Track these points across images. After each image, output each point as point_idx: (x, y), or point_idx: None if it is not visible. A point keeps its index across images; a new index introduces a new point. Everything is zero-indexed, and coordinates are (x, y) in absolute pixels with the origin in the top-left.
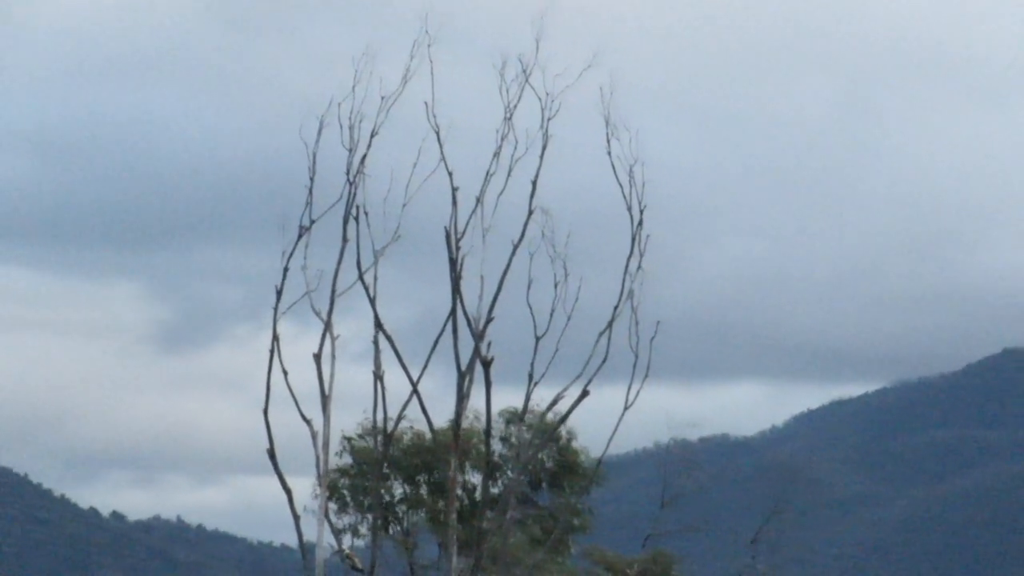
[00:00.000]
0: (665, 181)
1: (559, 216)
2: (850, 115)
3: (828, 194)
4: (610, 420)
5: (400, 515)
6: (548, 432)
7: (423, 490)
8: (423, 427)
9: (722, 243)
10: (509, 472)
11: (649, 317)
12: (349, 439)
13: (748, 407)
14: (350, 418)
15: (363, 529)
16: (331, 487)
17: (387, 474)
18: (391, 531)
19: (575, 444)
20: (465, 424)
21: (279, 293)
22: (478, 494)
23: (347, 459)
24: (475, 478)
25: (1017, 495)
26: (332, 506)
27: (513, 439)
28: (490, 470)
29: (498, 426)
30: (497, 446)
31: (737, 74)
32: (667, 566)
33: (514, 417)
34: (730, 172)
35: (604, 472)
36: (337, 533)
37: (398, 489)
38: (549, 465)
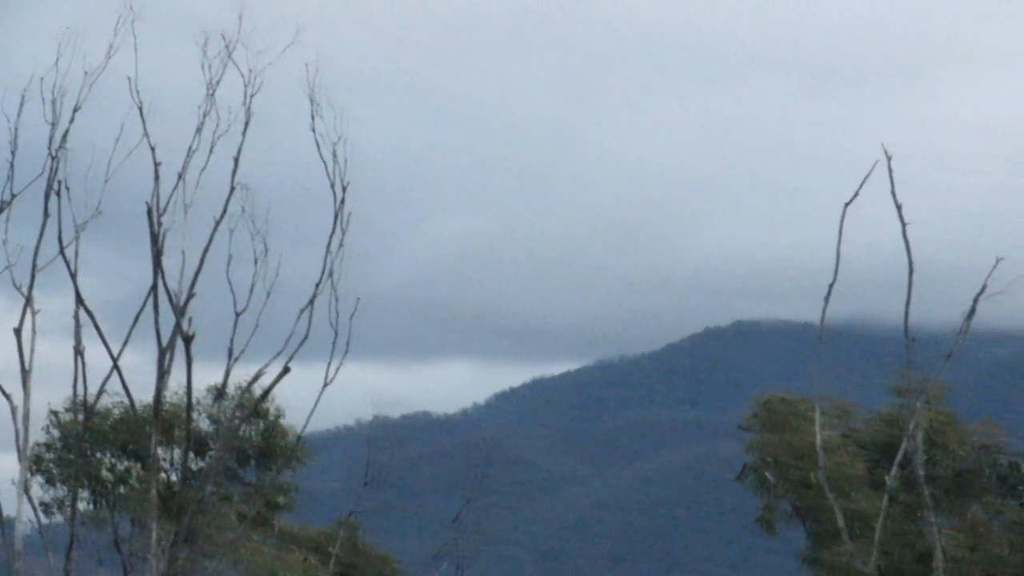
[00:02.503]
0: (375, 159)
1: (261, 193)
2: (569, 95)
3: (545, 174)
4: (315, 397)
5: (108, 489)
6: (248, 408)
7: (130, 465)
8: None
9: (435, 222)
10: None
11: (355, 295)
12: (56, 413)
13: (452, 385)
14: (54, 393)
15: (69, 503)
16: (37, 461)
17: (93, 448)
18: (98, 506)
19: (283, 422)
20: (176, 400)
21: None
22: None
23: (56, 432)
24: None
25: (713, 474)
26: (39, 480)
27: (220, 416)
28: (190, 445)
29: (207, 403)
30: (207, 423)
31: (453, 55)
32: (352, 534)
33: (222, 393)
34: (446, 151)
35: (308, 450)
36: (44, 508)
37: (106, 464)
38: (257, 443)
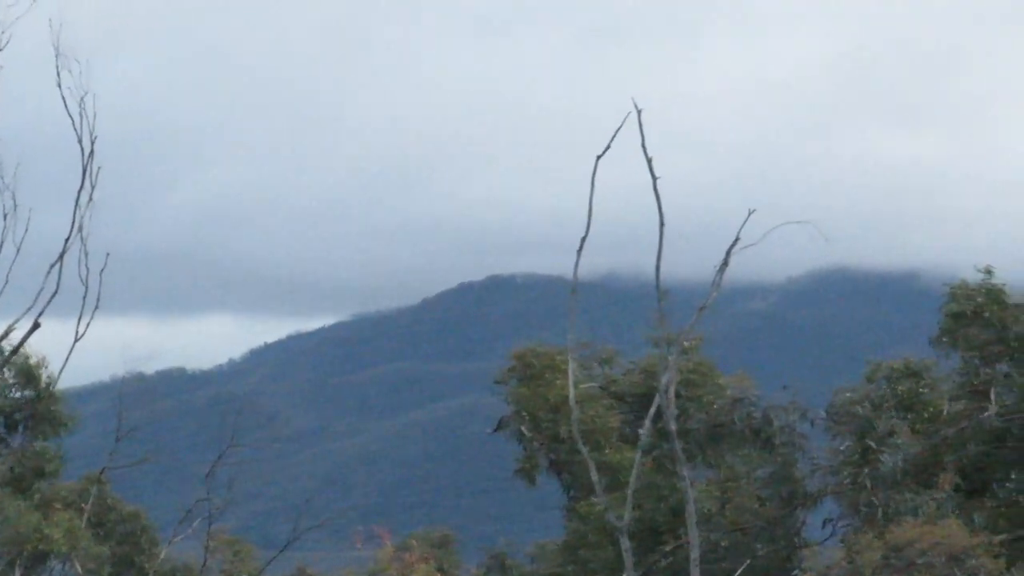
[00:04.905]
0: (130, 113)
1: (10, 147)
2: (339, 46)
3: (306, 127)
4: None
5: None
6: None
7: None
8: None
9: (194, 175)
10: None
11: (110, 250)
12: None
13: (209, 341)
14: None
15: None
16: None
17: None
18: None
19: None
20: None
21: None
22: None
23: None
24: None
25: (469, 427)
26: None
27: None
28: None
29: None
30: None
31: (213, 4)
32: (101, 490)
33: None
34: (205, 103)
35: (76, 417)
36: None
37: None
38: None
